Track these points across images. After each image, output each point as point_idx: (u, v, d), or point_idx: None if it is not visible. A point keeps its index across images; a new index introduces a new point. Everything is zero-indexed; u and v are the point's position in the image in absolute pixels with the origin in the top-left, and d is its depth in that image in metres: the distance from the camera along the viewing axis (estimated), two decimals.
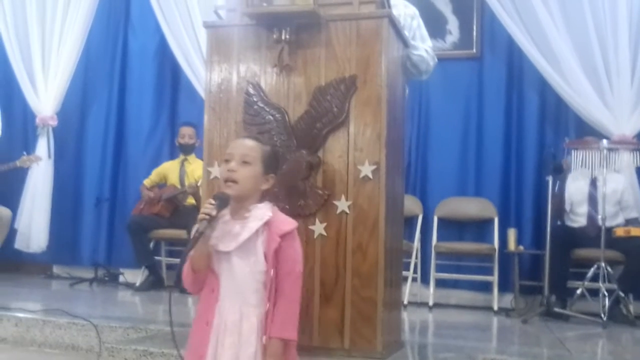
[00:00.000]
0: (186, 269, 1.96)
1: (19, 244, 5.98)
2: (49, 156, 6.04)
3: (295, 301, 1.98)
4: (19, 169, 5.69)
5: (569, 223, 4.83)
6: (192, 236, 1.91)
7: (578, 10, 4.93)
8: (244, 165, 1.98)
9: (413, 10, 3.25)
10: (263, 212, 1.99)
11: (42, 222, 5.98)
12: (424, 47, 3.15)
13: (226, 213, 1.97)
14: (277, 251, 1.94)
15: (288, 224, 2.01)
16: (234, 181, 1.96)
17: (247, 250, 1.95)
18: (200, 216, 1.88)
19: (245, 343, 1.91)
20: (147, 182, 5.68)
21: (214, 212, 1.88)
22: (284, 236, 1.96)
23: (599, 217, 4.48)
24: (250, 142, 2.05)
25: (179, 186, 5.52)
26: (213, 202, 1.90)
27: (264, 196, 2.06)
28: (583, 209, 4.75)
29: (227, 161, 2.01)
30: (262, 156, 2.02)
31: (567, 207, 4.80)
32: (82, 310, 3.69)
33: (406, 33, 3.07)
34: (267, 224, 1.96)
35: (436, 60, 3.24)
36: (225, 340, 1.92)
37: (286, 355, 1.95)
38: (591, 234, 4.60)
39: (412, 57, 3.06)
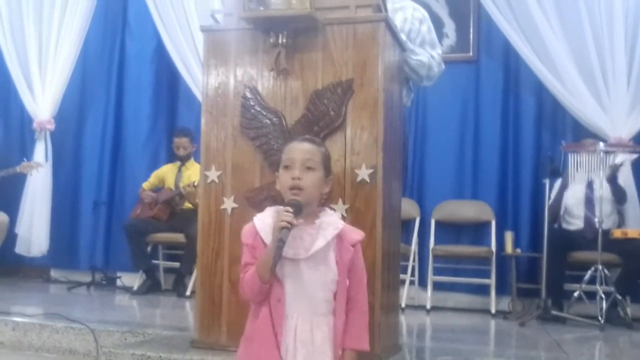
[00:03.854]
0: (253, 279, 1.84)
1: (19, 249, 5.99)
2: (46, 160, 6.04)
3: (366, 311, 1.94)
4: (18, 174, 5.69)
5: (565, 226, 4.84)
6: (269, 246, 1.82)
7: (574, 14, 4.95)
8: (308, 172, 1.89)
9: (422, 13, 3.15)
10: (335, 219, 1.94)
11: (43, 227, 5.99)
12: (429, 53, 3.08)
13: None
14: (350, 261, 1.91)
15: (358, 233, 1.97)
16: (300, 189, 1.87)
17: (317, 259, 1.87)
18: (282, 224, 1.78)
19: (320, 354, 1.85)
20: (145, 185, 5.68)
21: (295, 221, 1.80)
22: (355, 245, 1.93)
23: (596, 219, 4.48)
24: (309, 146, 1.95)
25: (174, 189, 5.53)
26: (290, 210, 1.82)
27: (321, 200, 2.00)
28: (580, 212, 4.75)
29: (286, 167, 1.91)
30: (322, 159, 1.95)
31: (562, 210, 4.81)
32: (80, 314, 3.68)
33: (413, 37, 3.05)
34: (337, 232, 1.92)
35: (443, 66, 3.16)
36: (298, 351, 1.85)
37: None
38: (588, 237, 4.61)
39: (410, 61, 3.02)
